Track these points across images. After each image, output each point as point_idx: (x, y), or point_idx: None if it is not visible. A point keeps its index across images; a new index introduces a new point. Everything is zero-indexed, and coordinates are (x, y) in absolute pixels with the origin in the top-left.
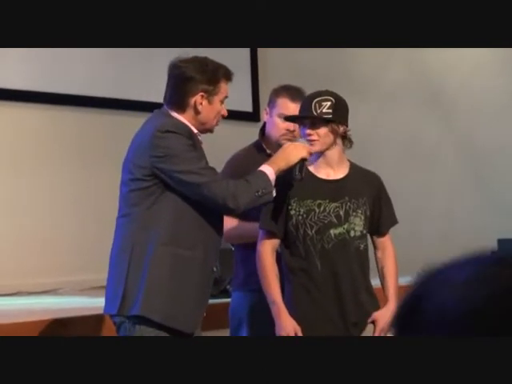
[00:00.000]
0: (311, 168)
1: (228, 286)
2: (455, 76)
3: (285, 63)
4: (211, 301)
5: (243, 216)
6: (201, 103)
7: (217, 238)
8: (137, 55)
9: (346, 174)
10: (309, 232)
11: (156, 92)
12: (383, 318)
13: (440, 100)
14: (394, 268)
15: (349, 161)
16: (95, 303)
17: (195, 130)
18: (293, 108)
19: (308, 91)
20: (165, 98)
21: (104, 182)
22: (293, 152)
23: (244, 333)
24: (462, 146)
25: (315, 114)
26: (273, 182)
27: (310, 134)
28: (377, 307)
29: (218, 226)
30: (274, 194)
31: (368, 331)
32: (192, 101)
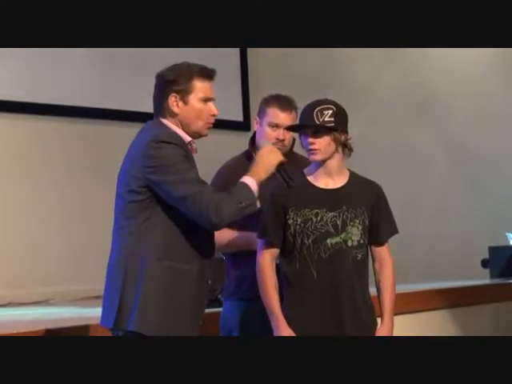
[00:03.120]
0: (310, 177)
1: (219, 296)
2: (447, 83)
3: (276, 72)
4: None
5: (238, 226)
6: (175, 105)
7: (212, 251)
8: (126, 65)
9: (344, 184)
10: (306, 241)
11: (145, 102)
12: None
13: (432, 106)
14: (390, 282)
15: (348, 170)
16: (86, 313)
17: (188, 138)
18: (282, 117)
19: (300, 99)
20: (154, 110)
21: (95, 193)
22: (269, 158)
23: None
24: (453, 153)
25: (317, 122)
26: (256, 193)
27: (312, 143)
28: (373, 317)
29: (212, 239)
30: (258, 205)
31: None
32: (166, 104)
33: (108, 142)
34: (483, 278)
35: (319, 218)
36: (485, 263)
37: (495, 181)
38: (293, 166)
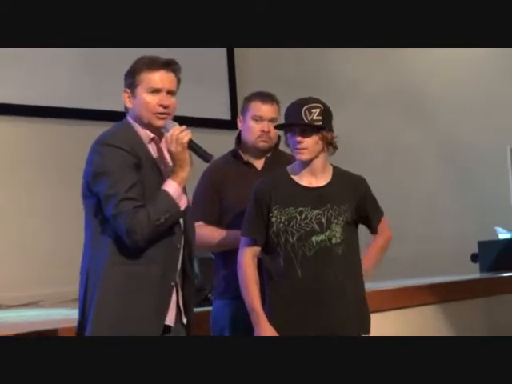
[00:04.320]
0: (293, 175)
1: (209, 295)
2: (436, 80)
3: (263, 71)
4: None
5: (227, 225)
6: (128, 100)
7: (176, 253)
8: (116, 66)
9: (328, 181)
10: (290, 239)
11: None
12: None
13: (421, 104)
14: (381, 242)
15: (332, 165)
16: (76, 315)
17: (151, 135)
18: (265, 109)
19: (287, 99)
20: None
21: None
22: (178, 149)
23: None
24: (443, 150)
25: (306, 121)
26: (179, 197)
27: (300, 142)
28: (366, 313)
29: (175, 241)
30: (183, 207)
31: None
32: (125, 100)
33: None
34: (473, 273)
35: (304, 216)
36: (474, 258)
37: (484, 176)
38: (279, 164)
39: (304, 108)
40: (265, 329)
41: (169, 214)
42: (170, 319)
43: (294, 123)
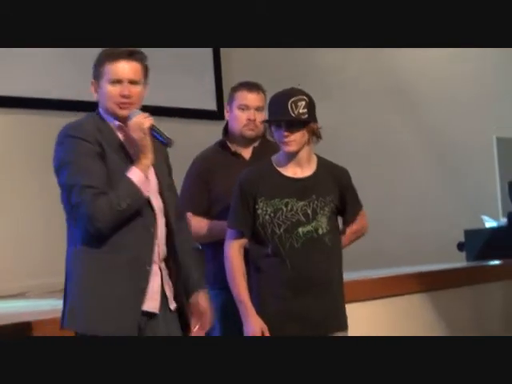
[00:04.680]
0: (278, 166)
1: None
2: (422, 70)
3: (248, 61)
4: None
5: (215, 215)
6: (94, 91)
7: (149, 237)
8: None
9: (313, 172)
10: (277, 231)
11: None
12: None
13: (406, 95)
14: (356, 228)
15: (316, 155)
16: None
17: (117, 123)
18: (251, 98)
19: (273, 89)
20: None
21: None
22: (140, 135)
23: (217, 329)
24: (428, 141)
25: (293, 115)
26: (142, 183)
27: (287, 136)
28: (343, 304)
29: (147, 224)
30: (145, 195)
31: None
32: (94, 92)
33: None
34: (459, 262)
35: (289, 208)
36: (461, 246)
37: (470, 165)
38: (266, 153)
39: (290, 101)
40: (253, 321)
41: (130, 200)
42: (153, 306)
43: (284, 119)
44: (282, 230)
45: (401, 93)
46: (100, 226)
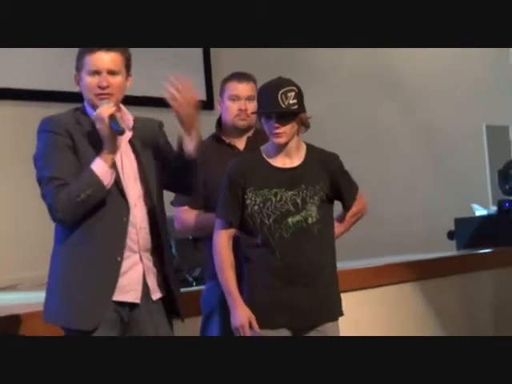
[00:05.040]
0: (267, 156)
1: (187, 275)
2: (414, 62)
3: (239, 51)
4: None
5: (209, 208)
6: (77, 83)
7: (121, 227)
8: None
9: (302, 161)
10: (266, 221)
11: None
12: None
13: (399, 86)
14: (355, 210)
15: (305, 143)
16: None
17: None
18: (241, 88)
19: (264, 79)
20: None
21: None
22: (101, 125)
23: (215, 320)
24: (420, 131)
25: (283, 106)
26: (104, 174)
27: (278, 128)
28: (339, 292)
29: (120, 214)
30: (107, 186)
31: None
32: (79, 85)
33: None
34: (450, 250)
35: (279, 198)
36: (451, 235)
37: (460, 153)
38: (260, 143)
39: (280, 92)
40: (240, 311)
41: (91, 191)
42: (134, 296)
43: (274, 111)
44: (271, 221)
45: (393, 83)
46: (61, 217)
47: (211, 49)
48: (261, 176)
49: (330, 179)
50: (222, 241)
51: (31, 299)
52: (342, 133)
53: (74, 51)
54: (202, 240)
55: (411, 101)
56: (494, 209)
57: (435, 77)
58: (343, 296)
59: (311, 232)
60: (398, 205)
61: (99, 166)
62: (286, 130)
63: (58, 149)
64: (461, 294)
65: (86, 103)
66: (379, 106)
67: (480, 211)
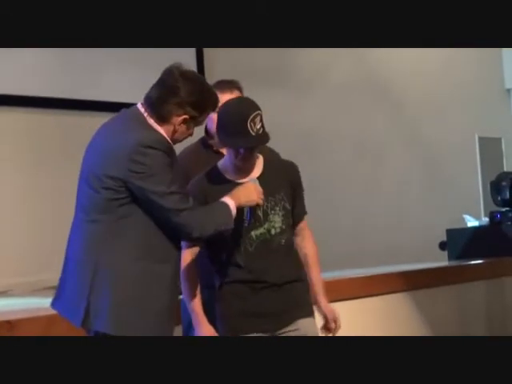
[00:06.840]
0: (225, 172)
1: None
2: (402, 71)
3: (231, 60)
4: None
5: None
6: (181, 123)
7: (179, 256)
8: (89, 56)
9: (260, 173)
10: (229, 237)
11: (106, 92)
12: (331, 312)
13: (388, 94)
14: (314, 252)
15: (261, 154)
16: (46, 304)
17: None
18: (224, 99)
19: (256, 88)
20: (147, 99)
21: (57, 183)
22: (253, 193)
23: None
24: (412, 142)
25: (253, 134)
26: (233, 216)
27: (246, 156)
28: (309, 298)
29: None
30: (232, 226)
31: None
32: (175, 120)
33: (75, 132)
34: (441, 261)
35: (240, 212)
36: (443, 246)
37: (452, 164)
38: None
39: (249, 120)
40: (204, 328)
41: (227, 225)
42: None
43: (252, 145)
44: (235, 236)
45: (384, 92)
46: (204, 236)
47: (204, 56)
48: (220, 192)
49: (291, 187)
50: (186, 259)
51: (24, 305)
52: (332, 144)
53: (73, 57)
54: None
55: (403, 112)
56: (485, 220)
57: (428, 88)
58: (335, 306)
59: (275, 242)
60: (390, 215)
61: (233, 207)
62: (253, 155)
63: (175, 173)
64: (452, 304)
65: (160, 129)
66: (370, 117)
67: (472, 222)
